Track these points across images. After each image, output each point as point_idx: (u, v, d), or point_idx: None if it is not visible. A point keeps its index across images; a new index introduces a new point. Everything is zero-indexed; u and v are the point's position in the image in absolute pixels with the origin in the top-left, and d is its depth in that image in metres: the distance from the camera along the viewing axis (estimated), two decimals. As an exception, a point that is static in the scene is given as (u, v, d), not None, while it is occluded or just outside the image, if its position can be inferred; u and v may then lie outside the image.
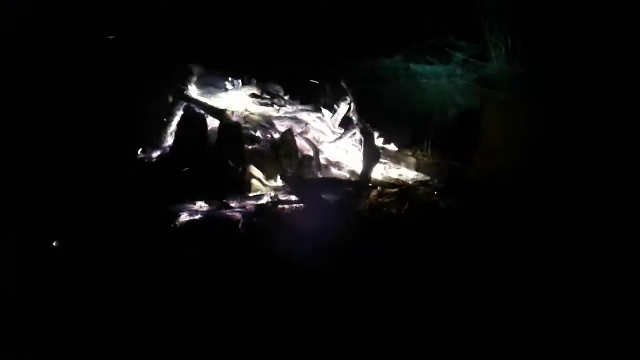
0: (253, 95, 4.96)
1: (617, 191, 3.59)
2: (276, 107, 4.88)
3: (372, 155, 4.32)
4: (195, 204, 3.78)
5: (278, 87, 5.17)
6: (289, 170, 4.22)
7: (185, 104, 4.65)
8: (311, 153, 4.46)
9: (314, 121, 4.92)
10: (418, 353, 2.42)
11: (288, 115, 4.87)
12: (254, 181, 4.05)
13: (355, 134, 4.74)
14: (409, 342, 2.46)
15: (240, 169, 4.03)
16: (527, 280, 2.86)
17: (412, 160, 4.67)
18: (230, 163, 3.87)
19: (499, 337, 2.48)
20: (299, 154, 4.37)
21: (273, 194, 3.99)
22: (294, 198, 3.89)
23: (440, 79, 5.28)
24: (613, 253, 3.07)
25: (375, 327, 2.54)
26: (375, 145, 4.40)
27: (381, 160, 4.56)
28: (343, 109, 4.95)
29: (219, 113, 4.48)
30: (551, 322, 2.55)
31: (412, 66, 5.39)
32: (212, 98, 4.90)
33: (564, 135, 3.99)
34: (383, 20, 5.46)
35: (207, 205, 3.79)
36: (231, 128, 4.06)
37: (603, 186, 3.67)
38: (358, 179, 4.30)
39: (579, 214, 3.49)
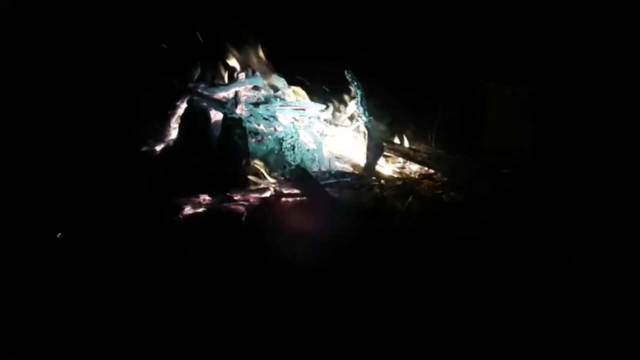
0: (255, 88, 4.95)
1: (627, 185, 3.57)
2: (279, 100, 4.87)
3: (375, 148, 4.31)
4: (198, 197, 3.79)
5: (282, 80, 5.16)
6: (293, 164, 4.21)
7: (188, 96, 4.64)
8: (315, 146, 4.45)
9: (318, 113, 4.90)
10: (420, 353, 2.41)
11: (291, 108, 4.85)
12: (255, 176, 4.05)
13: (359, 126, 4.72)
14: (411, 342, 2.46)
15: (244, 162, 4.03)
16: (530, 278, 2.84)
17: (416, 153, 4.65)
18: None
19: (500, 336, 2.47)
20: (303, 147, 4.36)
21: (276, 187, 3.98)
22: (297, 191, 3.88)
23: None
24: (617, 250, 3.06)
25: (377, 325, 2.54)
26: (379, 138, 4.39)
27: (385, 153, 4.55)
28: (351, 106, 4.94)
29: (222, 106, 4.47)
30: (552, 322, 2.54)
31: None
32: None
33: (571, 128, 3.97)
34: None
35: (210, 198, 3.79)
36: (234, 121, 4.06)
37: (613, 179, 3.64)
38: (362, 172, 4.29)
39: (587, 208, 3.47)
